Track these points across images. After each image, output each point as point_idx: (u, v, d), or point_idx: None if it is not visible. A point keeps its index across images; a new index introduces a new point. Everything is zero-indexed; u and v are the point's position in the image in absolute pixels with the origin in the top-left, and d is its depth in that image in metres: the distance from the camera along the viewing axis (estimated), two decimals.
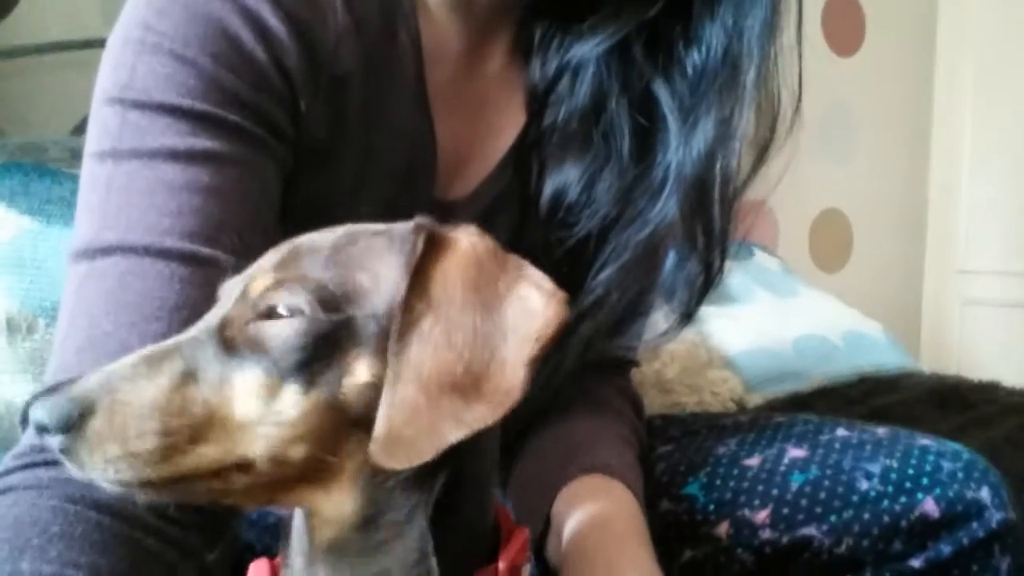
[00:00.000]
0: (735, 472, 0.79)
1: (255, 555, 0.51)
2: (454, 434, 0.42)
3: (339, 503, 0.45)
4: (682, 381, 1.40)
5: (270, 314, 0.43)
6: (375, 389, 0.43)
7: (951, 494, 0.71)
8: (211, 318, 0.45)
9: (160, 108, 0.61)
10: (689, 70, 0.74)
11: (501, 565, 0.48)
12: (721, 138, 0.72)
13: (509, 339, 0.43)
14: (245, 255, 0.61)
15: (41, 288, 1.02)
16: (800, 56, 0.73)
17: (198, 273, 0.59)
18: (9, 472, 0.55)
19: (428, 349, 0.43)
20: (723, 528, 0.76)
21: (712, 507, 0.77)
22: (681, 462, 0.84)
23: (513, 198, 0.79)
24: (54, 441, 0.41)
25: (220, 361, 0.43)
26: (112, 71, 0.63)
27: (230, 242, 0.61)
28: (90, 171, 0.62)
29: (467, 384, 0.42)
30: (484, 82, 0.79)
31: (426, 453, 0.42)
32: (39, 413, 0.41)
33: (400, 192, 0.74)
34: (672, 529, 0.78)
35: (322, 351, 0.42)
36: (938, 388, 1.58)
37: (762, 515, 0.75)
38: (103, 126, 0.62)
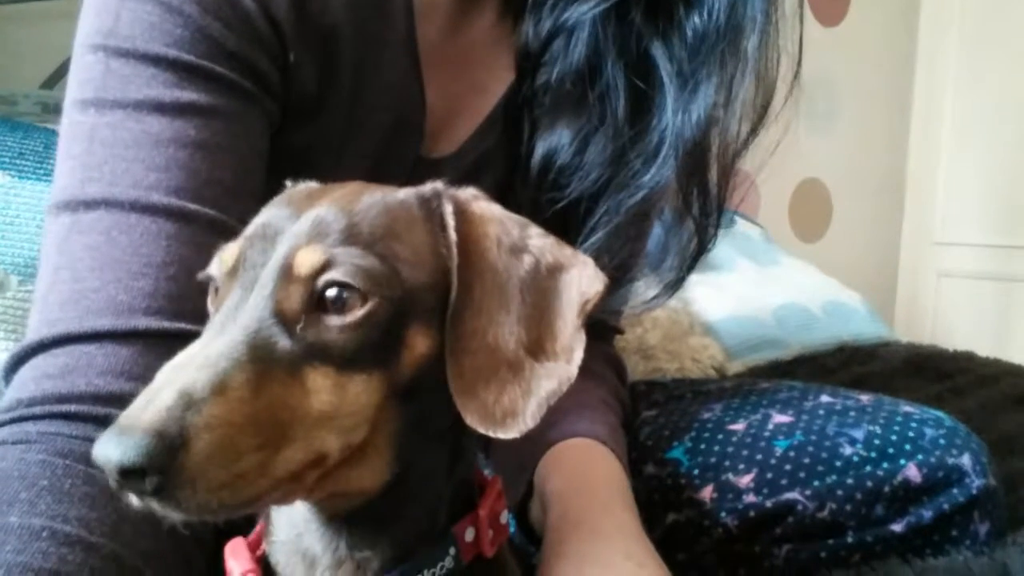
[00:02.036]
0: (720, 437, 0.79)
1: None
2: (548, 393, 0.43)
3: (372, 475, 0.44)
4: (664, 347, 1.40)
5: (327, 300, 0.41)
6: (428, 359, 0.43)
7: (933, 460, 0.72)
8: (257, 302, 0.41)
9: (145, 58, 0.59)
10: (689, 34, 0.73)
11: (481, 513, 0.50)
12: (722, 103, 0.71)
13: (562, 299, 0.45)
14: (232, 211, 0.60)
15: (13, 244, 0.99)
16: (802, 21, 0.72)
17: (185, 229, 0.58)
18: None
19: (484, 317, 0.44)
20: (707, 492, 0.76)
21: (696, 471, 0.78)
22: (666, 427, 0.84)
23: (499, 157, 0.78)
24: (148, 483, 0.35)
25: (287, 355, 0.40)
26: (95, 16, 0.61)
27: (217, 197, 0.60)
28: (72, 119, 0.60)
29: (533, 345, 0.44)
30: (472, 39, 0.77)
31: (532, 416, 0.43)
32: (122, 454, 0.34)
33: (386, 148, 0.73)
34: (656, 493, 0.78)
35: (386, 335, 0.42)
36: (915, 358, 1.60)
37: (746, 479, 0.75)
38: (86, 73, 0.60)
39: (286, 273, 0.41)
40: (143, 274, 0.57)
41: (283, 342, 0.40)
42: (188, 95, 0.60)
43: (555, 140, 0.75)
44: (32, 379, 0.55)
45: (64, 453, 0.52)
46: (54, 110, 1.25)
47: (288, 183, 0.52)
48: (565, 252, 0.47)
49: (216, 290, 0.45)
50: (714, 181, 0.74)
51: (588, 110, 0.74)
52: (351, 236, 0.42)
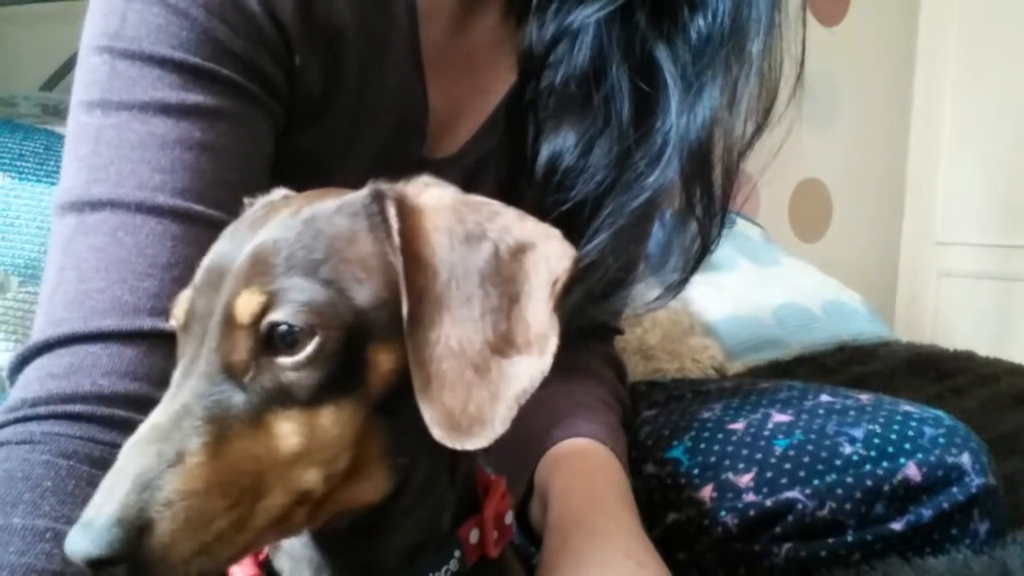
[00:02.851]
0: (719, 436, 0.79)
1: None
2: (518, 393, 0.41)
3: (370, 491, 0.43)
4: (664, 348, 1.40)
5: (276, 342, 0.39)
6: (397, 373, 0.41)
7: (933, 459, 0.72)
8: (205, 357, 0.40)
9: (151, 60, 0.59)
10: (693, 36, 0.73)
11: (486, 514, 0.49)
12: (726, 105, 0.71)
13: (531, 281, 0.43)
14: (237, 212, 0.60)
15: (14, 246, 0.99)
16: (804, 23, 0.72)
17: (190, 231, 0.58)
18: (0, 427, 0.54)
19: (446, 320, 0.41)
20: (707, 491, 0.76)
21: (696, 470, 0.78)
22: (666, 426, 0.84)
23: (502, 157, 0.79)
24: (119, 571, 0.35)
25: (244, 407, 0.39)
26: (101, 17, 0.61)
27: (222, 199, 0.60)
28: (78, 121, 0.61)
29: (501, 341, 0.42)
30: (475, 41, 0.78)
31: (501, 422, 0.41)
32: (89, 549, 0.35)
33: (389, 149, 0.74)
34: (656, 492, 0.79)
35: (345, 361, 0.40)
36: (915, 357, 1.60)
37: (746, 478, 0.75)
38: (91, 75, 0.61)
39: (229, 322, 0.40)
40: (148, 275, 0.57)
41: (237, 396, 0.39)
42: (194, 97, 0.60)
43: (560, 143, 0.75)
44: (37, 379, 0.55)
45: (68, 454, 0.52)
46: (54, 112, 1.25)
47: (246, 201, 0.51)
48: (527, 228, 0.44)
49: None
50: (718, 182, 0.74)
51: (593, 113, 0.74)
52: (291, 266, 0.40)
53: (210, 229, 0.58)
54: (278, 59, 0.64)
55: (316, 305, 0.39)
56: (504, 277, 0.42)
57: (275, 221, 0.43)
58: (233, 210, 0.59)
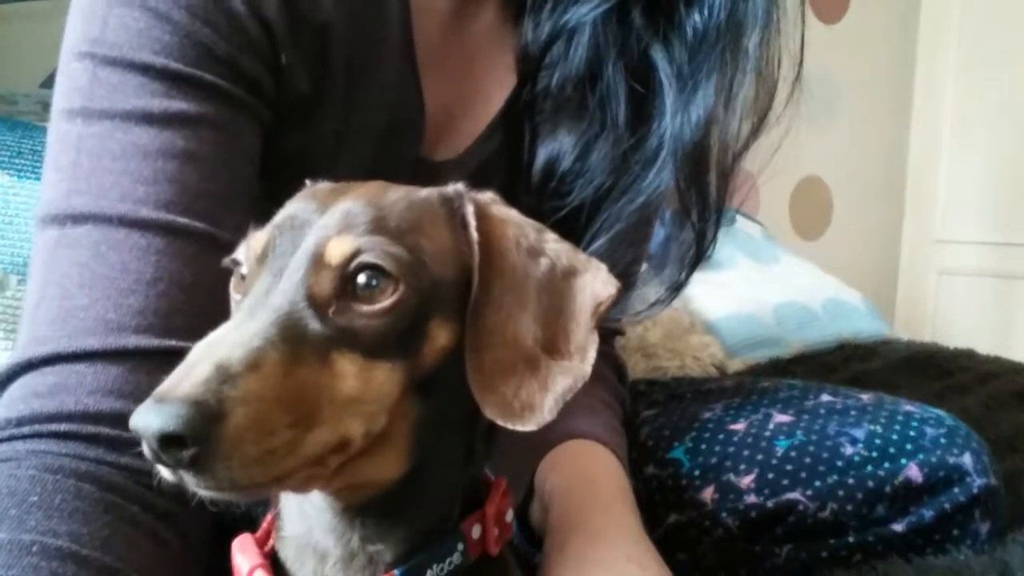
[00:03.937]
0: (720, 437, 0.79)
1: (236, 520, 0.50)
2: (564, 390, 0.44)
3: (389, 466, 0.45)
4: (664, 346, 1.40)
5: (358, 287, 0.42)
6: (448, 352, 0.44)
7: (934, 460, 0.72)
8: (288, 287, 0.41)
9: (133, 66, 0.58)
10: (689, 33, 0.72)
11: (488, 511, 0.50)
12: (721, 104, 0.71)
13: (576, 301, 0.47)
14: (223, 222, 0.59)
15: (13, 244, 0.99)
16: (803, 20, 0.72)
17: (175, 244, 0.57)
18: None
19: (503, 314, 0.45)
20: (708, 492, 0.76)
21: (697, 472, 0.78)
22: (666, 427, 0.84)
23: (501, 163, 0.78)
24: (186, 453, 0.35)
25: (317, 338, 0.40)
26: (82, 22, 0.60)
27: (207, 210, 0.59)
28: (59, 129, 0.59)
29: (548, 344, 0.46)
30: (472, 40, 0.77)
31: (550, 411, 0.44)
32: (165, 422, 0.34)
33: (384, 149, 0.73)
34: (657, 493, 0.78)
35: (411, 324, 0.43)
36: (916, 356, 1.59)
37: (747, 480, 0.75)
38: (72, 82, 0.59)
39: (317, 261, 0.42)
40: (132, 291, 0.56)
41: (314, 325, 0.40)
42: (177, 104, 0.58)
43: (557, 147, 0.75)
44: (21, 398, 0.54)
45: (54, 469, 0.51)
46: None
47: (308, 182, 0.52)
48: (580, 257, 0.48)
49: (242, 277, 0.45)
50: (713, 185, 0.74)
51: (589, 116, 0.74)
52: (379, 227, 0.43)
53: (194, 241, 0.58)
54: (264, 59, 0.63)
55: (403, 260, 0.42)
56: (556, 291, 0.47)
57: (361, 192, 0.46)
58: (218, 220, 0.59)
